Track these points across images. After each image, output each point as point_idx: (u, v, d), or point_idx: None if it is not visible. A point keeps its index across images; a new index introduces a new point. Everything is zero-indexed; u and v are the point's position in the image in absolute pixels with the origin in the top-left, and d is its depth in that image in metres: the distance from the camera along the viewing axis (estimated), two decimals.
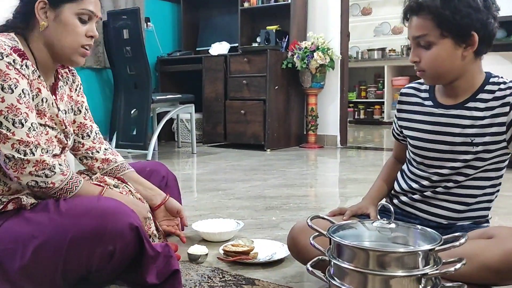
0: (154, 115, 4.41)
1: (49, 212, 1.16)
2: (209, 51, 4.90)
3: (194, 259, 1.52)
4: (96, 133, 1.52)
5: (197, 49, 5.32)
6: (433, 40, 1.18)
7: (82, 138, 1.48)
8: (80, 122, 1.48)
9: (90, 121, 1.51)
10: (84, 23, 1.27)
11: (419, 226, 1.07)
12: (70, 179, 1.24)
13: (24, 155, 1.16)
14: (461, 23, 1.15)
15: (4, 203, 1.19)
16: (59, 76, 1.39)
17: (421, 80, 1.36)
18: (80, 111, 1.48)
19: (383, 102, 7.67)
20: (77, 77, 1.47)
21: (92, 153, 1.50)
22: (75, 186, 1.25)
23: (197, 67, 4.85)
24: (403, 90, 1.41)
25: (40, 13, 1.25)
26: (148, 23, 5.00)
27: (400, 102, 1.40)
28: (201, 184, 3.01)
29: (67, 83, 1.42)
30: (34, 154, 1.17)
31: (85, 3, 1.26)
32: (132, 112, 4.04)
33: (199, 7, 5.41)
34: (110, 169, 1.52)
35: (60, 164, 1.23)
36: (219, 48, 4.85)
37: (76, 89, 1.46)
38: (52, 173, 1.20)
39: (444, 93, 1.30)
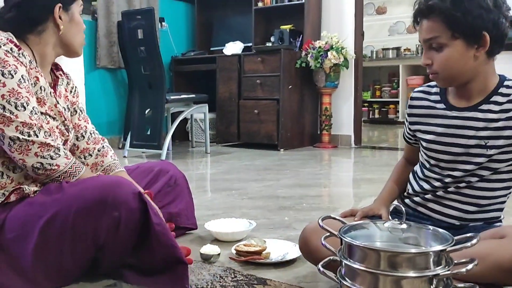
0: (169, 115, 4.43)
1: (51, 193, 1.19)
2: (223, 50, 4.91)
3: (206, 258, 1.53)
4: (91, 133, 1.53)
5: (211, 49, 5.33)
6: (444, 42, 1.18)
7: (77, 140, 1.49)
8: (75, 123, 1.48)
9: (85, 121, 1.52)
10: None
11: (430, 227, 1.06)
12: (73, 163, 1.26)
13: (29, 136, 1.18)
14: (473, 24, 1.14)
15: (7, 195, 1.21)
16: (55, 77, 1.43)
17: (432, 83, 1.35)
18: (76, 112, 1.49)
19: (398, 101, 7.61)
20: (71, 79, 1.51)
21: (84, 157, 1.50)
22: (78, 171, 1.27)
23: (211, 67, 4.87)
24: (413, 94, 1.40)
25: (58, 18, 1.30)
26: (163, 23, 5.03)
27: (411, 106, 1.40)
28: (214, 183, 3.02)
29: (62, 83, 1.45)
30: (38, 136, 1.19)
31: (80, 1, 1.37)
32: (146, 112, 4.08)
33: (213, 7, 5.43)
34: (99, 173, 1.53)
35: (64, 148, 1.25)
36: (233, 47, 4.86)
37: (71, 91, 1.48)
38: (57, 155, 1.22)
39: (457, 95, 1.29)
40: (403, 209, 1.09)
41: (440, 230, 1.04)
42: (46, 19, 1.30)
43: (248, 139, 4.69)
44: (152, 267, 1.25)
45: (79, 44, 1.38)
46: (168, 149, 4.03)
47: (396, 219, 1.06)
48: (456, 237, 1.00)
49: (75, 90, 1.50)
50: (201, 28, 5.44)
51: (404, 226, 1.04)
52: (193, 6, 5.44)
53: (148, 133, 4.04)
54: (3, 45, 1.20)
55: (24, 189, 1.22)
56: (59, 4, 1.30)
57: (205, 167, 3.77)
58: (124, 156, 4.06)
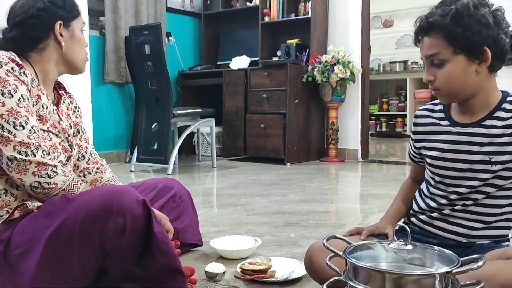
0: (175, 129, 4.45)
1: (56, 204, 1.20)
2: (230, 65, 4.93)
3: (211, 277, 1.52)
4: (91, 154, 1.54)
5: (218, 63, 5.36)
6: (446, 58, 1.18)
7: (78, 160, 1.49)
8: (76, 144, 1.49)
9: (86, 142, 1.53)
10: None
11: (436, 247, 1.05)
12: (71, 180, 1.26)
13: (26, 156, 1.18)
14: (473, 40, 1.15)
15: (11, 212, 1.22)
16: (58, 95, 1.44)
17: (436, 101, 1.36)
18: (79, 132, 1.50)
19: (405, 114, 7.59)
20: (74, 99, 1.52)
21: (84, 175, 1.51)
22: (77, 188, 1.27)
23: (218, 81, 4.89)
24: (417, 112, 1.41)
25: (59, 35, 1.32)
26: (170, 38, 5.06)
27: (415, 124, 1.40)
28: (220, 199, 3.02)
29: (64, 102, 1.46)
30: (35, 156, 1.20)
31: (81, 18, 1.40)
32: (153, 126, 4.09)
33: (220, 21, 5.47)
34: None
35: (62, 166, 1.25)
36: (240, 62, 4.89)
37: (74, 110, 1.49)
38: (54, 174, 1.22)
39: (460, 111, 1.29)
40: (408, 229, 1.08)
41: (446, 251, 1.03)
42: (46, 36, 1.32)
43: (254, 153, 4.69)
44: (152, 278, 1.25)
45: (81, 61, 1.39)
46: (174, 163, 4.04)
47: (401, 240, 1.05)
48: (462, 258, 0.99)
49: (78, 110, 1.51)
50: (208, 42, 5.48)
51: (409, 247, 1.03)
52: (200, 21, 5.49)
53: (155, 147, 4.05)
54: (4, 65, 1.21)
55: (28, 205, 1.23)
56: (60, 21, 1.32)
57: (211, 181, 3.77)
58: (131, 170, 4.07)
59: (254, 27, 5.02)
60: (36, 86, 1.29)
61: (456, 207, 1.28)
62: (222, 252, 1.77)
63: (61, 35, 1.33)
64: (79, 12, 1.39)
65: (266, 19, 4.88)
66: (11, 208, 1.23)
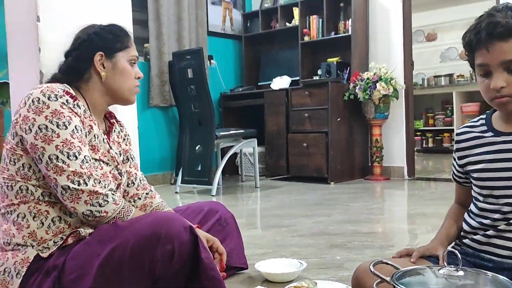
0: (218, 150, 4.50)
1: (107, 231, 1.24)
2: (271, 85, 4.97)
3: None
4: (140, 180, 1.58)
5: (259, 83, 5.41)
6: None
7: (127, 186, 1.54)
8: (126, 171, 1.53)
9: (135, 168, 1.58)
10: (132, 67, 1.43)
11: (489, 273, 1.00)
12: (122, 208, 1.30)
13: (79, 185, 1.23)
14: None
15: (64, 238, 1.27)
16: (109, 124, 1.49)
17: (476, 118, 1.34)
18: (128, 159, 1.55)
19: (453, 129, 7.37)
20: (124, 127, 1.57)
21: (134, 201, 1.55)
22: (127, 215, 1.30)
23: (259, 102, 4.93)
24: (458, 131, 1.39)
25: (98, 65, 1.36)
26: (211, 61, 5.16)
27: (458, 142, 1.37)
28: (264, 219, 3.01)
29: (115, 130, 1.50)
30: (87, 185, 1.24)
31: (131, 50, 1.43)
32: (196, 148, 4.16)
33: (260, 43, 5.53)
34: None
35: (112, 194, 1.29)
36: (280, 82, 4.91)
37: (124, 138, 1.54)
38: (106, 202, 1.26)
39: (504, 121, 1.27)
40: (459, 254, 1.03)
41: (500, 277, 0.98)
42: (88, 67, 1.37)
43: (297, 173, 4.67)
44: None
45: (127, 92, 1.42)
46: (218, 184, 4.07)
47: (452, 266, 1.01)
48: None
49: (127, 138, 1.56)
50: (248, 63, 5.55)
51: (461, 272, 0.99)
52: (240, 43, 5.57)
53: (199, 168, 4.11)
54: (59, 98, 1.27)
55: (81, 232, 1.27)
56: (100, 52, 1.37)
57: (254, 202, 3.77)
58: (176, 192, 4.13)
59: (293, 47, 5.04)
60: (88, 116, 1.35)
61: (511, 221, 1.23)
62: (267, 276, 1.76)
63: (103, 66, 1.38)
64: (128, 44, 1.43)
65: (306, 38, 4.90)
66: (65, 235, 1.28)
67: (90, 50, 1.37)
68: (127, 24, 2.39)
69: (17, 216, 1.27)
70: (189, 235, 1.21)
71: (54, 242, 1.27)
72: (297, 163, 4.64)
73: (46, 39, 2.00)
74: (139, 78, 1.45)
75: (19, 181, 1.27)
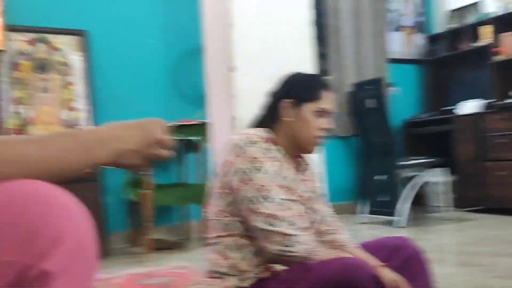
0: (403, 179, 4.35)
1: (297, 272, 1.31)
2: (458, 109, 4.65)
3: None
4: (329, 217, 1.61)
5: (442, 108, 5.11)
6: None
7: (318, 223, 1.58)
8: (317, 208, 1.58)
9: (325, 205, 1.62)
10: (319, 118, 1.46)
11: None
12: (311, 249, 1.35)
13: (273, 227, 1.32)
14: None
15: (263, 270, 1.38)
16: (299, 163, 1.56)
17: None
18: (317, 197, 1.60)
19: None
20: (309, 165, 1.62)
21: (322, 237, 1.57)
22: (316, 255, 1.35)
23: (444, 128, 4.66)
24: None
25: (283, 111, 1.46)
26: (392, 88, 5.06)
27: None
28: (454, 256, 2.80)
29: (305, 170, 1.58)
30: (280, 227, 1.32)
31: (321, 102, 1.46)
32: (380, 178, 4.08)
33: (443, 66, 5.25)
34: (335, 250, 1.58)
35: (303, 235, 1.35)
36: (469, 106, 4.57)
37: (312, 176, 1.60)
38: (296, 243, 1.33)
39: None
40: None
41: None
42: (278, 108, 1.48)
43: (495, 204, 4.23)
44: None
45: (306, 142, 1.47)
46: (404, 215, 3.92)
47: None
48: None
49: (314, 175, 1.63)
50: (430, 88, 5.31)
51: None
52: (421, 67, 5.36)
53: (383, 199, 4.02)
54: (262, 144, 1.40)
55: (275, 267, 1.38)
56: (289, 100, 1.46)
57: (445, 236, 3.53)
58: (360, 223, 4.10)
59: (482, 68, 4.67)
60: (286, 161, 1.46)
61: None
62: None
63: (290, 113, 1.46)
64: (319, 96, 1.47)
65: (498, 57, 4.48)
66: (262, 268, 1.40)
67: (283, 96, 1.48)
68: (312, 62, 2.51)
69: (224, 247, 1.43)
70: (375, 285, 1.22)
71: (254, 274, 1.39)
72: (496, 194, 4.22)
73: (239, 87, 2.22)
74: (324, 129, 1.48)
75: (227, 216, 1.42)
